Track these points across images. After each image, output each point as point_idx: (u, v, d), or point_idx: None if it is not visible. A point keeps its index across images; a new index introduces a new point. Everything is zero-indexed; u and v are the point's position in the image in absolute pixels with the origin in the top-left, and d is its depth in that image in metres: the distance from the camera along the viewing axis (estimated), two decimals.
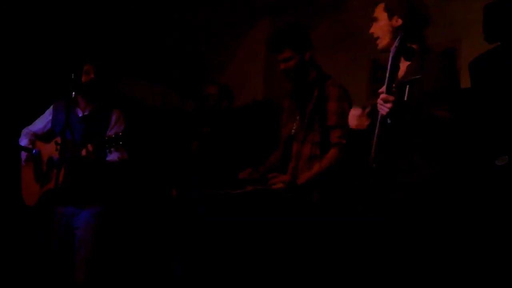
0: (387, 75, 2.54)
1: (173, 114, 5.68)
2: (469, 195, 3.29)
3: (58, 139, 3.53)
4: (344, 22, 5.12)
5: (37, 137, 3.90)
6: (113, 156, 3.71)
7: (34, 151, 3.80)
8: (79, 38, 4.98)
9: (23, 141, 3.85)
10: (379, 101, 2.51)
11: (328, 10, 5.27)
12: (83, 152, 3.47)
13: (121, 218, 4.19)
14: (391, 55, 2.55)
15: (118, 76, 4.99)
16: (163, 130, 5.46)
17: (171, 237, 4.39)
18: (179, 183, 4.39)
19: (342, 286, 3.23)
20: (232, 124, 4.48)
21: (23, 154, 3.84)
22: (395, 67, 2.53)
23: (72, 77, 3.42)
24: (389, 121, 2.51)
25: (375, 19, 2.83)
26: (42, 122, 3.93)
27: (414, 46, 2.74)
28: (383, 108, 2.51)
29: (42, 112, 3.99)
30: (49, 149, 3.76)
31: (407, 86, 2.60)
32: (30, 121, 4.01)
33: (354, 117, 2.75)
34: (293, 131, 3.53)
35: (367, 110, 2.70)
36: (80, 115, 3.82)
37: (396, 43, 2.56)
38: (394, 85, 2.54)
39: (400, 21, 2.76)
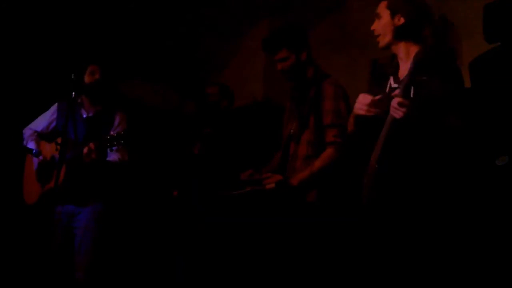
0: (407, 79, 2.52)
1: (173, 114, 5.68)
2: (469, 195, 3.29)
3: (59, 139, 3.53)
4: (344, 22, 5.12)
5: (41, 136, 3.90)
6: (113, 156, 3.71)
7: (34, 150, 3.80)
8: (80, 38, 4.98)
9: (30, 144, 3.84)
10: (394, 104, 2.50)
11: (328, 10, 5.27)
12: (85, 150, 3.47)
13: (121, 218, 4.19)
14: (412, 63, 2.54)
15: (119, 76, 4.99)
16: (163, 130, 5.46)
17: (171, 237, 4.40)
18: (180, 184, 4.40)
19: (342, 286, 3.24)
20: (232, 124, 4.48)
21: (30, 158, 3.84)
22: (415, 74, 2.52)
23: (72, 77, 3.42)
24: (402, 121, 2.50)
25: (377, 16, 2.81)
26: (46, 121, 3.92)
27: (416, 46, 2.75)
28: (398, 112, 2.49)
29: (43, 112, 3.98)
30: (50, 149, 3.76)
31: (412, 88, 2.60)
32: (31, 121, 4.00)
33: (362, 103, 2.69)
34: (291, 131, 3.52)
35: (378, 97, 2.66)
36: (84, 116, 3.83)
37: (417, 54, 2.55)
38: (392, 89, 2.55)
39: (402, 20, 2.75)
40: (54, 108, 3.92)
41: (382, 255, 2.65)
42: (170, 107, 5.80)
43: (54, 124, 3.88)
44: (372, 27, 2.84)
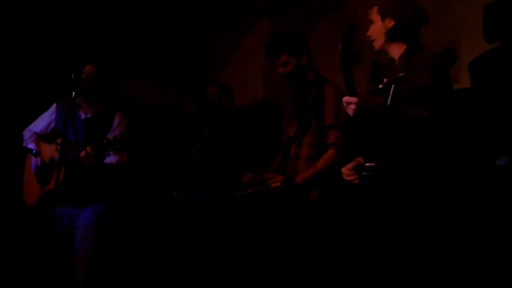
0: (344, 78, 2.59)
1: (173, 114, 5.68)
2: (469, 195, 3.29)
3: (59, 140, 3.53)
4: (344, 22, 5.11)
5: (40, 137, 3.89)
6: (111, 159, 3.71)
7: (34, 151, 3.80)
8: (80, 38, 4.98)
9: (30, 145, 3.84)
10: (343, 104, 2.61)
11: (328, 10, 5.27)
12: (82, 154, 3.48)
13: (121, 218, 4.19)
14: (340, 62, 2.61)
15: (118, 76, 4.99)
16: (162, 131, 5.46)
17: (172, 238, 4.40)
18: (180, 185, 4.40)
19: (343, 286, 3.24)
20: (232, 125, 4.48)
21: (31, 159, 3.84)
22: (348, 71, 2.58)
23: (72, 77, 3.41)
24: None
25: (370, 22, 2.88)
26: (45, 122, 3.91)
27: (402, 44, 2.77)
28: (349, 110, 2.60)
29: (43, 112, 3.98)
30: (50, 150, 3.76)
31: (392, 85, 2.64)
32: (31, 122, 4.00)
33: (347, 170, 2.82)
34: (292, 133, 3.56)
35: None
36: (82, 117, 3.82)
37: (339, 49, 2.61)
38: (378, 89, 2.59)
39: (392, 23, 2.80)
40: (53, 108, 3.91)
41: (381, 255, 2.66)
42: (170, 107, 5.80)
43: (53, 125, 3.87)
44: (367, 33, 2.89)
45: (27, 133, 3.93)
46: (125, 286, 4.57)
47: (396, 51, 2.82)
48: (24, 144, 3.87)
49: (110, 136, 3.62)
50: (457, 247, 2.92)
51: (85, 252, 3.67)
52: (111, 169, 3.74)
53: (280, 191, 3.37)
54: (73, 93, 3.40)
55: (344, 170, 2.82)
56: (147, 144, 5.10)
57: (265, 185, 3.44)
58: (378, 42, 2.85)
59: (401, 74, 2.65)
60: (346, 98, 2.59)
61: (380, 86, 2.77)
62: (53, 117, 3.88)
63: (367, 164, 2.69)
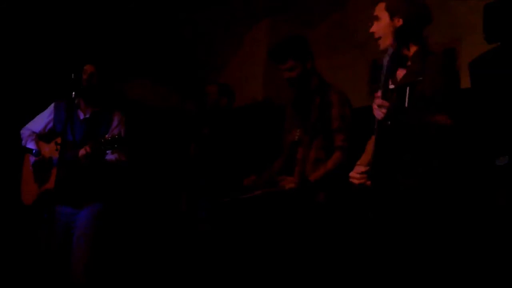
0: (382, 80, 2.56)
1: (173, 114, 5.68)
2: (469, 195, 3.29)
3: (59, 140, 3.53)
4: (344, 22, 5.12)
5: (39, 137, 3.89)
6: (110, 157, 3.71)
7: (34, 150, 3.80)
8: (80, 38, 4.98)
9: (30, 144, 3.84)
10: (374, 106, 2.55)
11: (328, 10, 5.27)
12: (81, 152, 3.48)
13: (119, 218, 4.19)
14: (385, 62, 2.57)
15: (118, 76, 4.99)
16: (163, 131, 5.46)
17: (173, 240, 4.42)
18: (179, 184, 4.42)
19: (344, 285, 3.25)
20: (232, 124, 4.48)
21: (29, 158, 3.84)
22: (390, 73, 2.56)
23: (72, 77, 3.41)
24: (388, 123, 2.54)
25: (376, 18, 2.80)
26: (43, 121, 3.91)
27: (414, 47, 2.75)
28: (379, 113, 2.55)
29: (40, 109, 3.97)
30: (49, 150, 3.75)
31: (408, 88, 2.61)
32: (29, 120, 3.99)
33: (357, 174, 2.75)
34: (297, 137, 3.63)
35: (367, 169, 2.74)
36: (81, 117, 3.81)
37: (389, 52, 2.58)
38: (389, 90, 2.57)
39: (401, 22, 2.75)
40: (51, 108, 3.90)
41: (384, 255, 2.66)
42: (170, 107, 5.80)
43: (51, 125, 3.87)
44: (371, 30, 2.82)
45: (25, 132, 3.93)
46: (123, 286, 4.56)
47: (405, 51, 2.78)
48: (23, 143, 3.87)
49: (108, 136, 3.62)
50: (458, 246, 2.92)
51: (82, 252, 3.66)
52: (110, 169, 3.73)
53: (290, 193, 3.44)
54: (73, 93, 3.40)
55: (352, 174, 2.77)
56: (146, 143, 5.10)
57: (276, 187, 3.51)
58: (385, 41, 2.77)
59: (419, 79, 2.60)
60: (378, 101, 2.54)
61: (391, 86, 2.73)
62: (51, 117, 3.87)
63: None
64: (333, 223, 3.35)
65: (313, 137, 3.54)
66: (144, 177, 5.10)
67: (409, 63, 2.76)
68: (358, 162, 2.86)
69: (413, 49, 2.76)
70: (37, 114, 3.95)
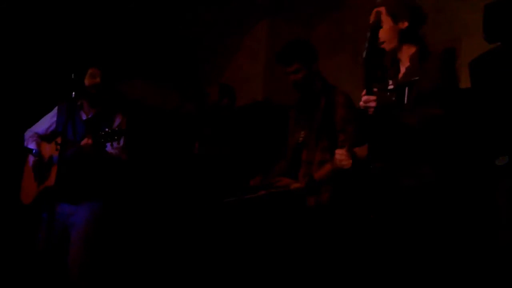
0: (364, 78, 2.57)
1: (173, 114, 5.68)
2: (469, 195, 3.29)
3: (59, 139, 3.54)
4: (343, 22, 5.13)
5: (41, 138, 3.91)
6: (112, 151, 3.72)
7: (34, 150, 3.81)
8: (80, 38, 4.98)
9: (31, 145, 3.86)
10: (361, 104, 2.59)
11: (327, 10, 5.28)
12: (83, 143, 3.51)
13: (118, 219, 4.19)
14: (364, 59, 2.59)
15: (119, 77, 4.99)
16: (163, 130, 5.47)
17: (172, 240, 4.42)
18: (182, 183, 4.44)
19: (346, 286, 3.26)
20: (232, 124, 4.49)
21: (30, 159, 3.85)
22: (370, 69, 2.57)
23: (72, 77, 3.41)
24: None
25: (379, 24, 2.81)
26: (46, 124, 3.94)
27: (414, 47, 2.77)
28: (369, 109, 2.58)
29: (45, 114, 3.99)
30: (50, 149, 3.76)
31: (406, 87, 2.62)
32: (32, 122, 4.01)
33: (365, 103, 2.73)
34: (301, 139, 3.68)
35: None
36: (84, 118, 3.83)
37: (366, 47, 2.59)
38: (374, 86, 2.60)
39: (406, 24, 2.78)
40: (54, 111, 3.94)
41: (387, 256, 2.67)
42: (170, 107, 5.81)
43: (53, 127, 3.89)
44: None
45: (28, 134, 3.96)
46: (120, 285, 4.56)
47: (405, 52, 2.80)
48: (25, 144, 3.89)
49: (108, 129, 3.63)
50: (458, 246, 2.92)
51: (79, 250, 3.65)
52: (110, 164, 3.74)
53: (296, 193, 3.50)
54: (73, 93, 3.41)
55: (338, 151, 2.85)
56: (146, 143, 5.10)
57: (282, 187, 3.57)
58: (391, 45, 2.79)
59: (416, 78, 2.63)
60: (365, 98, 2.58)
61: (391, 86, 2.74)
62: (54, 119, 3.90)
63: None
64: (336, 224, 3.38)
65: (318, 139, 3.60)
66: (144, 177, 5.10)
67: (408, 63, 2.78)
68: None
69: (412, 49, 2.78)
70: (39, 115, 3.98)
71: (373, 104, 2.55)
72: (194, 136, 4.48)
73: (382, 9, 2.80)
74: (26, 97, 4.82)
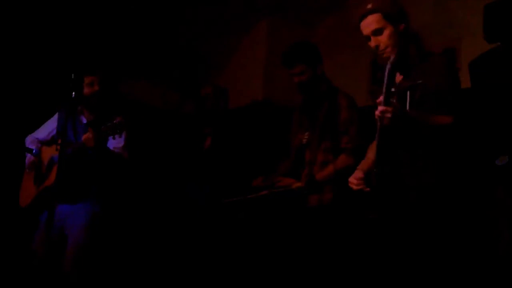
0: (384, 88, 2.54)
1: (173, 114, 5.68)
2: (469, 195, 3.30)
3: (59, 140, 3.53)
4: (344, 22, 5.13)
5: (41, 143, 3.92)
6: (113, 145, 3.73)
7: (34, 150, 3.81)
8: (81, 38, 4.98)
9: (31, 146, 3.86)
10: (378, 113, 2.53)
11: (328, 10, 5.28)
12: (84, 137, 3.52)
13: (116, 218, 4.18)
14: (387, 70, 2.56)
15: (119, 77, 4.99)
16: (163, 130, 5.47)
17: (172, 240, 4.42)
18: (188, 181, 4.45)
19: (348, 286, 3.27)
20: (232, 125, 4.49)
21: (28, 160, 3.85)
22: (391, 81, 2.56)
23: (72, 77, 3.41)
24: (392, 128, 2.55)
25: (376, 32, 2.76)
26: (47, 129, 3.95)
27: (413, 47, 2.76)
28: (384, 119, 2.53)
29: (45, 118, 4.00)
30: (50, 151, 3.77)
31: (408, 92, 2.61)
32: (33, 126, 4.03)
33: (356, 180, 2.76)
34: (304, 140, 3.71)
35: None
36: (84, 121, 3.85)
37: (392, 60, 2.58)
38: (391, 94, 2.57)
39: (403, 26, 2.76)
40: (55, 117, 3.96)
41: (390, 256, 2.67)
42: (170, 107, 5.81)
43: (54, 132, 3.90)
44: (375, 44, 2.77)
45: (29, 139, 3.98)
46: (117, 285, 4.55)
47: (407, 54, 2.77)
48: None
49: (109, 123, 3.63)
50: (461, 248, 2.92)
51: (76, 253, 3.65)
52: (110, 156, 3.73)
53: (297, 192, 3.52)
54: (73, 93, 3.40)
55: (351, 179, 2.78)
56: (146, 143, 5.10)
57: (283, 187, 3.60)
58: (395, 49, 2.74)
59: (419, 82, 2.61)
60: (383, 108, 2.52)
61: (393, 89, 2.72)
62: (55, 125, 3.91)
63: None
64: (339, 224, 3.40)
65: (321, 140, 3.62)
66: (144, 177, 5.10)
67: (408, 65, 2.77)
68: (358, 167, 2.86)
69: (412, 50, 2.77)
70: (41, 119, 4.00)
71: (388, 115, 2.51)
72: (195, 136, 4.49)
73: (378, 15, 2.76)
74: (26, 101, 4.82)
